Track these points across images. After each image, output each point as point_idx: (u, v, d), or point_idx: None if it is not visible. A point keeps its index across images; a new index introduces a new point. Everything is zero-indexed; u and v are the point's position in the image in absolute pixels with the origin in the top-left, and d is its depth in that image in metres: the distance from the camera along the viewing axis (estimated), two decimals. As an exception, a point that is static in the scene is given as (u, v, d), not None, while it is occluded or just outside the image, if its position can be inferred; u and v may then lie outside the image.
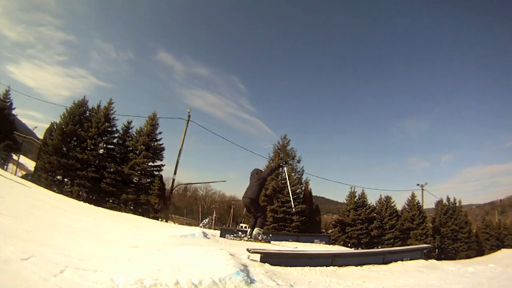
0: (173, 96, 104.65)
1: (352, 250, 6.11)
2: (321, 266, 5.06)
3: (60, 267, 2.25)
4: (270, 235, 5.94)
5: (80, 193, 19.40)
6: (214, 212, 40.93)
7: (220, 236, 11.23)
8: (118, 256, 3.41)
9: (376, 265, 5.67)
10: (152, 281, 2.24)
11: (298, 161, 20.86)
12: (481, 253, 27.43)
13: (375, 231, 21.66)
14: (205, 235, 9.32)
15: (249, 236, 5.66)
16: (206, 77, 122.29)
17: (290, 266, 4.69)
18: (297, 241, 13.20)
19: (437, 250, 25.04)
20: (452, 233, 25.31)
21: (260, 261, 4.80)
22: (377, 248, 22.43)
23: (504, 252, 26.17)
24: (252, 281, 3.07)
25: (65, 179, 20.32)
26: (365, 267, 5.42)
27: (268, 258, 4.75)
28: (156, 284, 2.21)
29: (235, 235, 7.80)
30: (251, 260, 4.79)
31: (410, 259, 6.41)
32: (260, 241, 5.44)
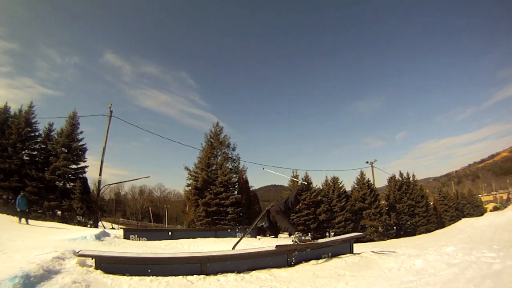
0: (123, 98, 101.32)
1: (234, 251, 4.83)
2: (179, 275, 4.00)
3: None
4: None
5: (8, 204, 18.44)
6: (166, 212, 39.82)
7: (124, 238, 10.35)
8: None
9: (273, 270, 4.41)
10: None
11: (233, 149, 19.98)
12: (441, 225, 27.29)
13: (323, 215, 21.07)
14: (99, 237, 8.49)
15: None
16: (156, 75, 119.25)
17: (132, 275, 3.87)
18: (215, 236, 11.68)
19: (394, 227, 24.72)
20: (408, 209, 24.96)
21: (95, 267, 3.96)
22: (328, 233, 21.92)
23: (464, 222, 26.02)
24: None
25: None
26: (250, 274, 4.18)
27: (106, 263, 3.96)
28: None
29: None
30: (85, 266, 3.99)
31: (333, 256, 5.12)
32: (305, 241, 4.89)
